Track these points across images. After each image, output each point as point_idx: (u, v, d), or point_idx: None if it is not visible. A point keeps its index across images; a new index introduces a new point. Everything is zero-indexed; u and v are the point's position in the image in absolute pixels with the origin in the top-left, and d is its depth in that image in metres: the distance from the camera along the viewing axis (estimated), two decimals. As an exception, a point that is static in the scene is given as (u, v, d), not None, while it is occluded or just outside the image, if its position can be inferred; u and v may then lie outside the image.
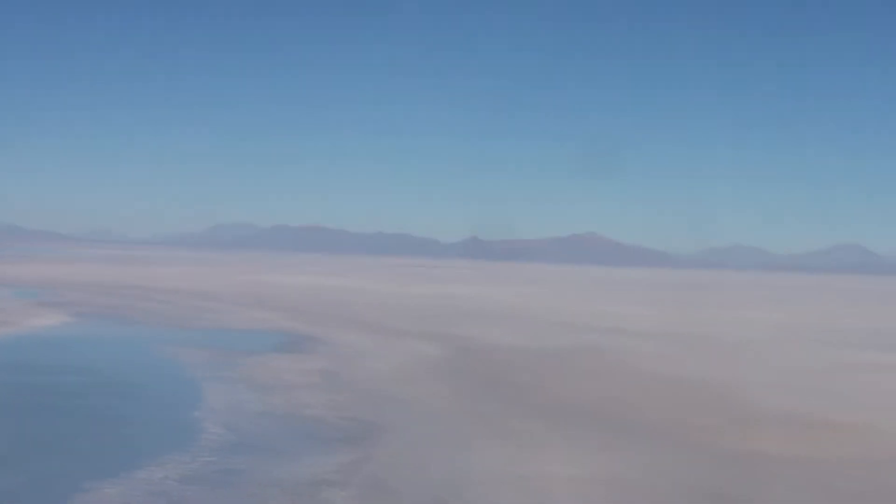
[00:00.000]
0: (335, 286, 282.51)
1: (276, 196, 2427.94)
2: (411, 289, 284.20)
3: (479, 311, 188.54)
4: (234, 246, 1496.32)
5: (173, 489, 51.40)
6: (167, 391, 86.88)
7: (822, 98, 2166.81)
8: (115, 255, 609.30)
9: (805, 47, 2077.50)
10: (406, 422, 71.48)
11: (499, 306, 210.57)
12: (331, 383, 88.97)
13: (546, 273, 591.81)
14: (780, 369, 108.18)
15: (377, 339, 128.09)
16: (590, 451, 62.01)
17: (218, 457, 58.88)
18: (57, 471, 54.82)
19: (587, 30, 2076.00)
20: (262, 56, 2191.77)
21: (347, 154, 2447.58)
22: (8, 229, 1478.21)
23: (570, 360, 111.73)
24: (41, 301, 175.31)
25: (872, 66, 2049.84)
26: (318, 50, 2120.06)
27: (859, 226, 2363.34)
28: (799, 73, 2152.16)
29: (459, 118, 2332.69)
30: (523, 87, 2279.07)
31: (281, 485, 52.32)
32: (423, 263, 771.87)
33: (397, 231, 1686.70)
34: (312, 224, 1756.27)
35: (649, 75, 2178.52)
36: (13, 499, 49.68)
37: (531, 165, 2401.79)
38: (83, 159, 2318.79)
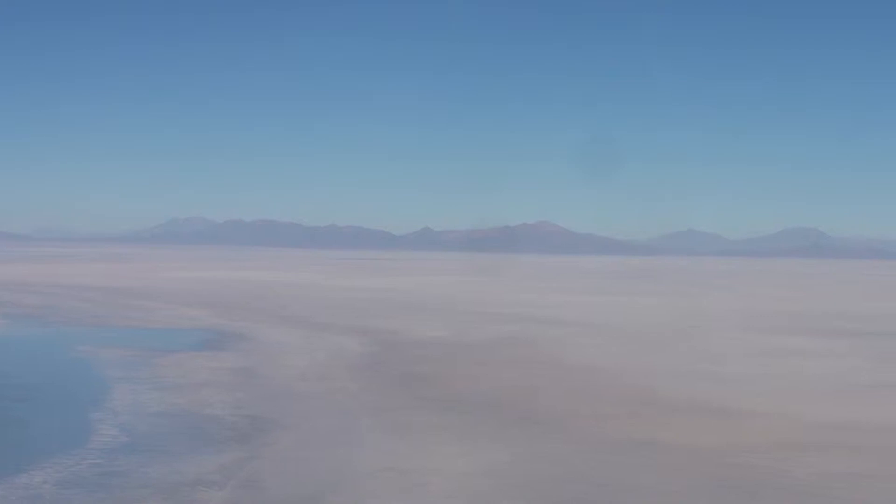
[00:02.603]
0: (274, 281, 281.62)
1: (229, 191, 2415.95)
2: (352, 282, 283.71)
3: (414, 304, 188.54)
4: (187, 241, 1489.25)
5: (49, 493, 50.93)
6: (71, 392, 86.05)
7: (775, 81, 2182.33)
8: (59, 254, 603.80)
9: (757, 30, 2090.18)
10: (305, 418, 71.25)
11: (435, 298, 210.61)
12: (240, 381, 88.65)
13: (493, 263, 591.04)
14: (700, 356, 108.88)
15: (302, 334, 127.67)
16: (482, 443, 61.96)
17: (104, 459, 58.46)
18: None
19: (535, 17, 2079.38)
20: (212, 49, 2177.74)
21: (300, 148, 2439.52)
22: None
23: (489, 351, 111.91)
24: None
25: (825, 50, 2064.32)
26: (270, 44, 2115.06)
27: (814, 210, 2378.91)
28: (752, 57, 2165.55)
29: (410, 109, 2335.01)
30: (476, 78, 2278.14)
31: (158, 486, 51.97)
32: (373, 256, 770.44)
33: (351, 224, 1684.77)
34: (266, 219, 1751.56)
35: (603, 61, 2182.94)
36: None
37: (482, 155, 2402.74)
38: (30, 154, 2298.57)
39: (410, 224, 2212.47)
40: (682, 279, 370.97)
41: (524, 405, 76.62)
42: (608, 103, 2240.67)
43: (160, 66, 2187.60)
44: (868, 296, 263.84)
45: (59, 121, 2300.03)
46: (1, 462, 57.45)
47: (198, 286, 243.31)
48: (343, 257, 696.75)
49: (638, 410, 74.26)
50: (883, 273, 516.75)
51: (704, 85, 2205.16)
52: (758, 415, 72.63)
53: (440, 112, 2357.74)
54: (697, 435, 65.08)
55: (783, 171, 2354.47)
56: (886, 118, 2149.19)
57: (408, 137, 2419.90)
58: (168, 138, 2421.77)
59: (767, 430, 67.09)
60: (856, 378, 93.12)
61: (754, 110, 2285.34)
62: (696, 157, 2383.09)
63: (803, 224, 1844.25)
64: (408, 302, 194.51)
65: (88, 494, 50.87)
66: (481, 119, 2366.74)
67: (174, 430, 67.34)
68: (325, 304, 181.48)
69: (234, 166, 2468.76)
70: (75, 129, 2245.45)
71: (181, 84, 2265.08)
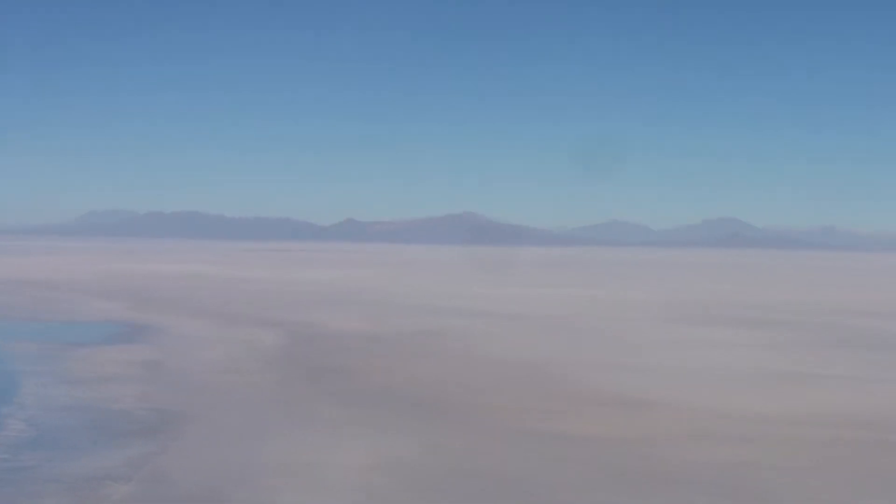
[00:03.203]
0: (193, 273, 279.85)
1: (151, 182, 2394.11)
2: (272, 274, 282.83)
3: (335, 296, 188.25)
4: (108, 233, 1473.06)
5: (-48, 489, 50.36)
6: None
7: (697, 74, 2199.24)
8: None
9: (681, 23, 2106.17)
10: (215, 412, 70.90)
11: (357, 290, 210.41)
12: (151, 374, 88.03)
13: (416, 254, 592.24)
14: (614, 347, 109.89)
15: (217, 327, 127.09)
16: (390, 437, 61.88)
17: (10, 454, 57.62)
18: None
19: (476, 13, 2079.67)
20: (135, 42, 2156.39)
21: (225, 139, 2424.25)
22: None
23: (407, 343, 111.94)
24: None
25: (742, 43, 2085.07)
26: (194, 34, 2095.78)
27: (736, 200, 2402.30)
28: (672, 48, 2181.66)
29: (336, 101, 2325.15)
30: (402, 70, 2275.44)
31: (65, 481, 51.40)
32: (298, 248, 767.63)
33: (276, 216, 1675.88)
34: (189, 210, 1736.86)
35: (510, 53, 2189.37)
36: None
37: (409, 147, 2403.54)
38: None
39: (336, 215, 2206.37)
40: (603, 270, 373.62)
41: (437, 398, 76.67)
42: (536, 95, 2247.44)
43: (81, 60, 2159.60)
44: (782, 285, 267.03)
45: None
46: None
47: (112, 279, 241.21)
48: (267, 249, 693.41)
49: (550, 402, 74.54)
50: (799, 263, 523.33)
51: (630, 76, 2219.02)
52: (666, 405, 73.24)
53: (366, 103, 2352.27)
54: (605, 426, 65.49)
55: (707, 162, 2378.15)
56: (802, 111, 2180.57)
57: (333, 128, 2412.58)
58: (89, 129, 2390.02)
59: (674, 420, 67.67)
60: (765, 368, 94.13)
61: (678, 102, 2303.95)
62: (622, 147, 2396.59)
63: (725, 214, 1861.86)
64: (328, 294, 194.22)
65: (-10, 490, 50.36)
66: (406, 111, 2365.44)
67: (82, 424, 66.66)
68: (243, 297, 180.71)
69: (158, 158, 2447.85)
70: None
71: (102, 78, 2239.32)
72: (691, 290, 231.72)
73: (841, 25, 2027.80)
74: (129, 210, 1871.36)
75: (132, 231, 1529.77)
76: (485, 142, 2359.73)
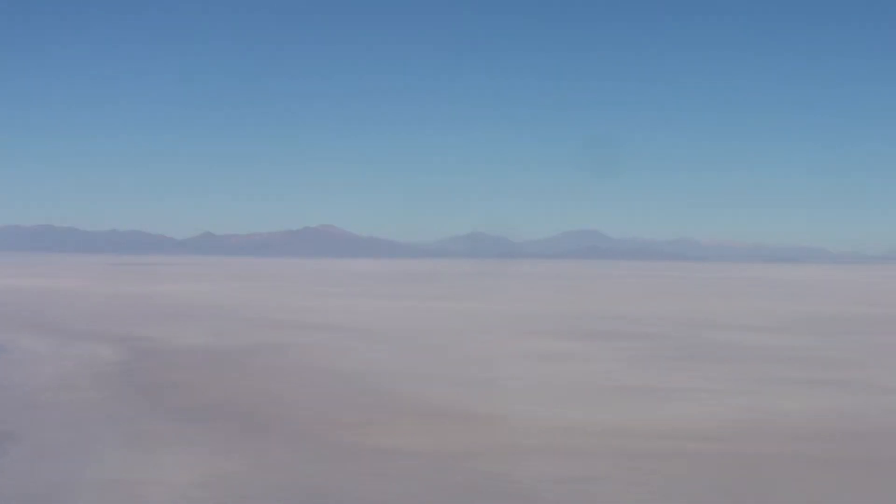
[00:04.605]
0: (41, 288, 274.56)
1: (6, 195, 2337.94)
2: (122, 289, 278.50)
3: (183, 310, 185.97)
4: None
5: None
6: None
7: (554, 82, 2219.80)
8: None
9: (523, 33, 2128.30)
10: (41, 429, 69.29)
11: (207, 304, 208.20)
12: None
13: (272, 267, 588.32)
14: (457, 360, 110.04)
15: (54, 342, 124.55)
16: (216, 453, 61.18)
17: None
18: None
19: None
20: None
21: (77, 152, 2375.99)
22: None
23: (250, 358, 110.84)
24: None
25: (588, 48, 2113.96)
26: (48, 49, 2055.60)
27: (596, 212, 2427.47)
28: (524, 58, 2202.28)
29: (192, 116, 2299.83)
30: (250, 83, 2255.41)
31: None
32: (154, 261, 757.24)
33: (132, 228, 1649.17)
34: (44, 223, 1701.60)
35: (354, 60, 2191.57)
36: None
37: (264, 159, 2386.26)
38: None
39: (193, 228, 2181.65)
40: (460, 282, 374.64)
41: (271, 413, 76.06)
42: (394, 106, 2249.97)
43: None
44: (635, 297, 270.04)
45: None
46: None
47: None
48: (121, 263, 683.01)
49: (383, 416, 74.48)
50: (654, 274, 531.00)
51: (478, 87, 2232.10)
52: (503, 419, 73.47)
53: (217, 116, 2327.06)
54: (433, 440, 65.56)
55: (565, 174, 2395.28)
56: (663, 121, 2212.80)
57: (188, 142, 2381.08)
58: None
59: (502, 433, 67.97)
60: (604, 381, 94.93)
61: (533, 112, 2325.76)
62: (482, 160, 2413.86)
63: (585, 226, 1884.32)
64: (177, 308, 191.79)
65: None
66: (262, 123, 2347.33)
67: None
68: (87, 312, 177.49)
69: (11, 171, 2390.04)
70: None
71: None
72: (545, 302, 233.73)
73: (700, 31, 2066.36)
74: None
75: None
76: (344, 154, 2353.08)
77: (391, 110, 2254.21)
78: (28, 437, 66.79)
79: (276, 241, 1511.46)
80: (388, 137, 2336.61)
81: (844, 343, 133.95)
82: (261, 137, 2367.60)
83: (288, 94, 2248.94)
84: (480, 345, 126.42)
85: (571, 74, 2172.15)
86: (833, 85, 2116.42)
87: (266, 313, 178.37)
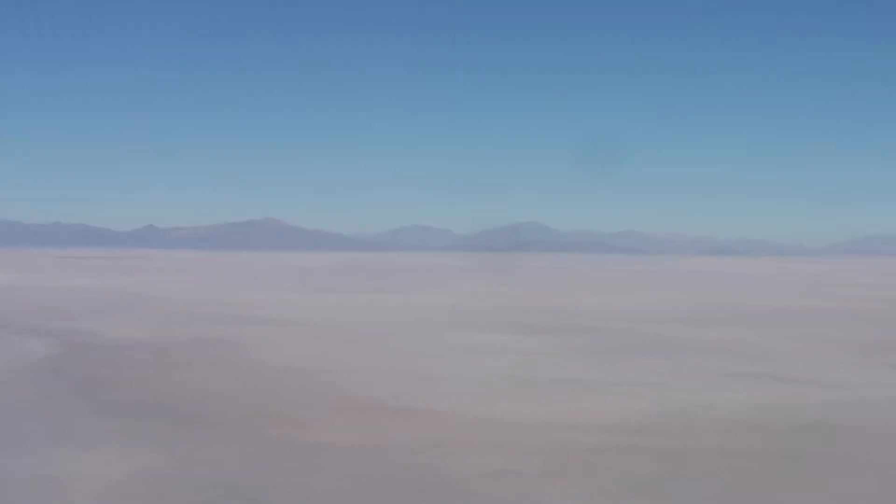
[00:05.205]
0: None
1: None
2: (60, 282, 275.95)
3: (120, 303, 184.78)
4: None
5: None
6: None
7: (486, 75, 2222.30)
8: None
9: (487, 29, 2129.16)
10: (-32, 427, 68.15)
11: (143, 296, 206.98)
12: None
13: (213, 261, 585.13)
14: (395, 354, 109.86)
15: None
16: (148, 448, 60.51)
17: None
18: None
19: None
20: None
21: (20, 146, 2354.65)
22: None
23: (188, 353, 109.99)
24: None
25: (501, 41, 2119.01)
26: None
27: (540, 203, 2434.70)
28: (457, 51, 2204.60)
29: (129, 108, 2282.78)
30: (193, 76, 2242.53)
31: None
32: (94, 254, 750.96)
33: (73, 222, 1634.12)
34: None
35: (293, 55, 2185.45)
36: None
37: (207, 153, 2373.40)
38: None
39: (135, 221, 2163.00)
40: (401, 275, 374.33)
41: (207, 408, 75.39)
42: (341, 101, 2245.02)
43: None
44: (577, 291, 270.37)
45: None
46: None
47: None
48: (63, 256, 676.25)
49: (314, 411, 74.06)
50: (597, 267, 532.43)
51: (415, 78, 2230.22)
52: (433, 413, 73.26)
53: (159, 108, 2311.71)
54: (369, 435, 65.17)
55: (511, 165, 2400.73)
56: (609, 114, 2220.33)
57: (130, 134, 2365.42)
58: None
59: (438, 428, 67.74)
60: (541, 374, 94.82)
61: (471, 104, 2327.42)
62: (423, 151, 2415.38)
63: (528, 219, 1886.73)
64: (114, 302, 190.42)
65: None
66: (205, 115, 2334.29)
67: None
68: (21, 306, 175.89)
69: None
70: None
71: None
72: (489, 296, 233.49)
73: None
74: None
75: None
76: (286, 146, 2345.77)
77: (332, 104, 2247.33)
78: (-47, 433, 65.80)
79: (220, 233, 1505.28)
80: (332, 130, 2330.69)
81: (782, 336, 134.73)
82: (204, 130, 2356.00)
83: (231, 87, 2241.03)
84: (420, 338, 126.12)
85: (511, 67, 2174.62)
86: (776, 77, 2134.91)
87: (205, 307, 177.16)
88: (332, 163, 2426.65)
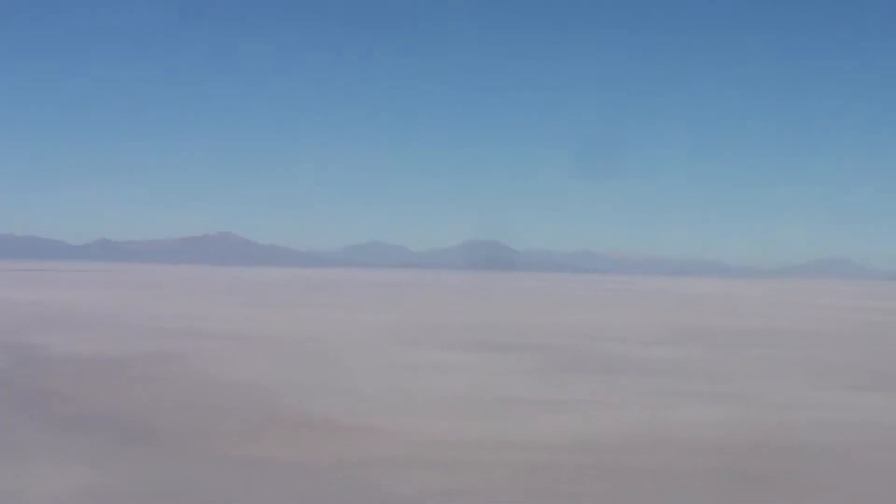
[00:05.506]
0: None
1: None
2: (10, 294, 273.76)
3: (71, 317, 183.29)
4: None
5: None
6: None
7: (450, 87, 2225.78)
8: None
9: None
10: None
11: (96, 310, 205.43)
12: None
13: (166, 274, 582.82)
14: (342, 370, 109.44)
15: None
16: (90, 464, 59.67)
17: None
18: None
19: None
20: None
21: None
22: None
23: (135, 367, 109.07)
24: None
25: (494, 59, 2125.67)
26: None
27: (498, 223, 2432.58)
28: (407, 68, 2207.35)
29: (84, 120, 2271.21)
30: (138, 85, 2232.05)
31: None
32: (46, 267, 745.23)
33: (27, 234, 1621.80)
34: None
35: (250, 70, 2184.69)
36: None
37: (160, 165, 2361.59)
38: None
39: (89, 234, 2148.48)
40: (357, 292, 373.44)
41: (153, 423, 74.65)
42: (291, 113, 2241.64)
43: None
44: (533, 309, 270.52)
45: None
46: None
47: None
48: (14, 268, 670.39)
49: (265, 427, 73.47)
50: (553, 286, 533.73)
51: (373, 95, 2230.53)
52: (377, 431, 72.70)
53: (115, 120, 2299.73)
54: (311, 452, 64.59)
55: (468, 182, 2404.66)
56: (563, 134, 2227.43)
57: (85, 145, 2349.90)
58: None
59: (381, 445, 67.20)
60: (492, 393, 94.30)
61: (438, 121, 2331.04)
62: (382, 167, 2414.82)
63: (486, 237, 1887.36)
64: (67, 315, 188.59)
65: None
66: (161, 127, 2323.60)
67: None
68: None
69: None
70: None
71: None
72: (437, 312, 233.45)
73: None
74: None
75: None
76: (244, 161, 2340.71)
77: (288, 117, 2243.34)
78: None
79: (175, 247, 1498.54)
80: (287, 144, 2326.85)
81: (733, 356, 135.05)
82: (160, 142, 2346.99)
83: (189, 98, 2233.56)
84: (371, 356, 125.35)
85: (470, 84, 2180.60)
86: (727, 97, 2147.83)
87: (157, 321, 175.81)
88: (289, 178, 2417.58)
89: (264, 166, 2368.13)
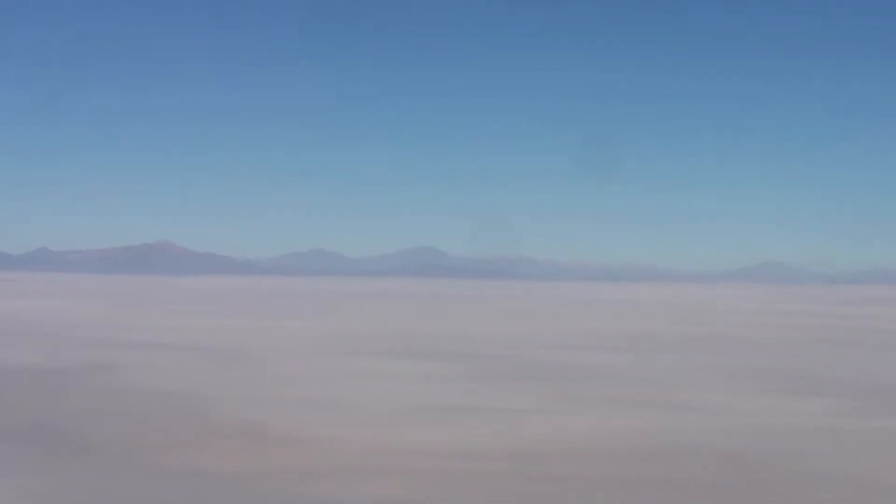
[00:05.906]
0: None
1: None
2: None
3: (8, 327, 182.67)
4: None
5: None
6: None
7: (390, 97, 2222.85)
8: None
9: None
10: None
11: (34, 321, 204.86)
12: None
13: (103, 284, 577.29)
14: (282, 381, 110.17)
15: None
16: (22, 475, 60.57)
17: None
18: None
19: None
20: None
21: None
22: None
23: (72, 378, 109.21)
24: None
25: (440, 69, 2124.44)
26: None
27: (434, 229, 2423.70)
28: (378, 75, 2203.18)
29: (22, 129, 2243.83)
30: (76, 96, 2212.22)
31: None
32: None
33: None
34: None
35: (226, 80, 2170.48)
36: None
37: (101, 174, 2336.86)
38: None
39: (27, 243, 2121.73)
40: (295, 300, 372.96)
41: (90, 434, 75.31)
42: (228, 123, 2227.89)
43: None
44: (468, 317, 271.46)
45: None
46: None
47: None
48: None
49: (196, 437, 74.50)
50: (489, 293, 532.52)
51: (310, 102, 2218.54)
52: (320, 440, 73.78)
53: (52, 130, 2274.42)
54: (251, 462, 65.70)
55: (404, 190, 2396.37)
56: (498, 138, 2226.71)
57: (21, 155, 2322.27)
58: None
59: (326, 455, 68.30)
60: (429, 401, 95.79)
61: (376, 129, 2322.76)
62: (320, 175, 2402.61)
63: (423, 244, 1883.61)
64: (4, 326, 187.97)
65: None
66: (98, 137, 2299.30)
67: None
68: None
69: None
70: None
71: None
72: (379, 321, 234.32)
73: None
74: None
75: None
76: (178, 169, 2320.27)
77: (225, 127, 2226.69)
78: None
79: (115, 257, 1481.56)
80: (226, 152, 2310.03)
81: (667, 363, 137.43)
82: (97, 151, 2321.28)
83: (127, 109, 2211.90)
84: (307, 365, 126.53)
85: (412, 90, 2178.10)
86: (670, 100, 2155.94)
87: (96, 332, 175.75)
88: (228, 186, 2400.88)
89: (203, 175, 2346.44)
